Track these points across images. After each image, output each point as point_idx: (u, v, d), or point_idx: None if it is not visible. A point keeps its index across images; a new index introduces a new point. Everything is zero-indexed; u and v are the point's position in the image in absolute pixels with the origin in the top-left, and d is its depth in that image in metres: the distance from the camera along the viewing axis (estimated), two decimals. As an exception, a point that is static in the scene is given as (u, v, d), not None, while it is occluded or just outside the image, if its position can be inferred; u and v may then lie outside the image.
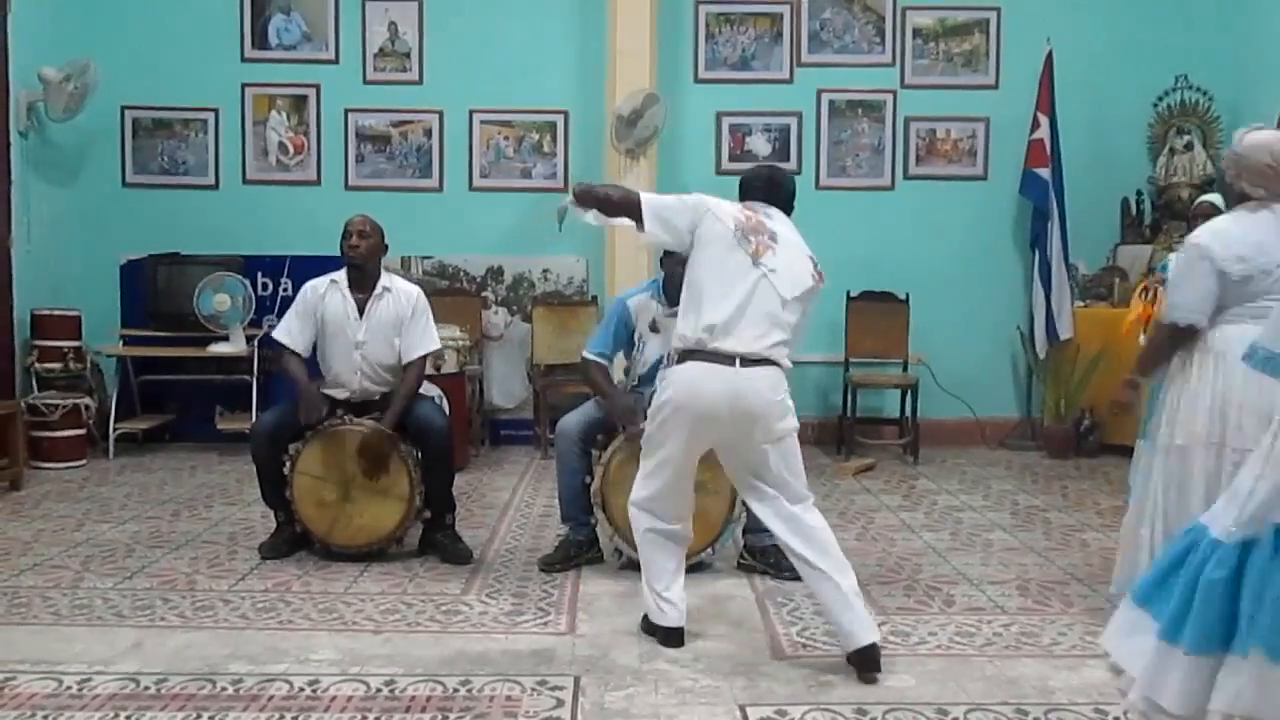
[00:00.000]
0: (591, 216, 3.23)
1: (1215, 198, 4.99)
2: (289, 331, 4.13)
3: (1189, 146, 6.53)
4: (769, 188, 3.25)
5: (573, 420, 4.00)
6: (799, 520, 3.01)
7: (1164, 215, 6.62)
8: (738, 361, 2.93)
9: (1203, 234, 3.11)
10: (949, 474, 5.96)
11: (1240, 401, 2.91)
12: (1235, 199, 3.16)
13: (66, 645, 3.05)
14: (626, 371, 4.14)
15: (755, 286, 2.98)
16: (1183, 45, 6.71)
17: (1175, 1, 6.78)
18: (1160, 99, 6.69)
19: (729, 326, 2.95)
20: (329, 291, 4.13)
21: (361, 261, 4.10)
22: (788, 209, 3.25)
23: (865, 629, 2.89)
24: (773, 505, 3.04)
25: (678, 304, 3.94)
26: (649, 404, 3.93)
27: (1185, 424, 3.05)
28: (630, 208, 3.13)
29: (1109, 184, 6.75)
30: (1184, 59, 6.65)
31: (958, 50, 6.93)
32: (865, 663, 2.87)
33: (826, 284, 3.20)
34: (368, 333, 4.09)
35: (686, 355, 3.00)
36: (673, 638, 3.11)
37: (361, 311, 4.11)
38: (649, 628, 3.18)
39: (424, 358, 4.16)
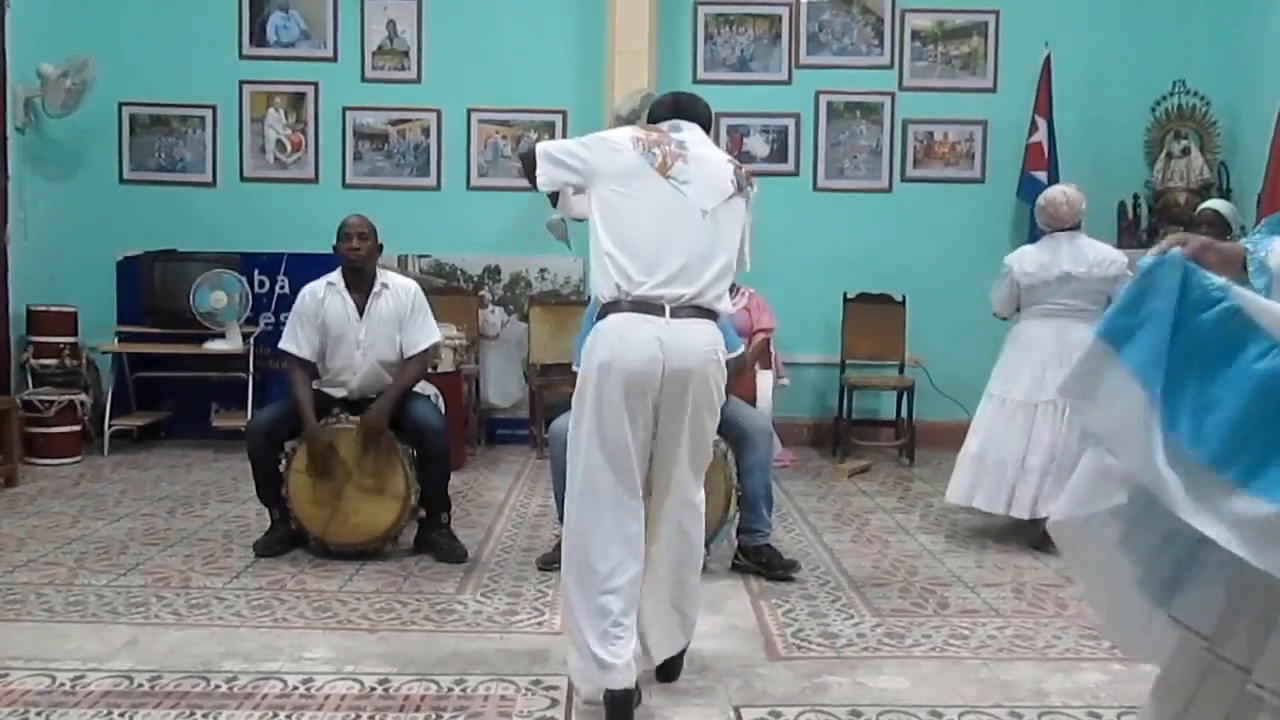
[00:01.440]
0: (560, 211, 2.96)
1: (1218, 203, 5.02)
2: (296, 341, 4.11)
3: (1186, 151, 6.53)
4: (674, 108, 2.87)
5: (565, 422, 3.98)
6: (676, 524, 2.67)
7: (1161, 219, 6.62)
8: (667, 311, 2.54)
9: (1011, 257, 4.69)
10: (945, 476, 5.90)
11: (1029, 365, 4.47)
12: (1040, 232, 4.65)
13: (60, 642, 3.04)
14: None
15: (668, 205, 2.59)
16: (1180, 50, 6.71)
17: (1173, 6, 6.80)
18: (1158, 103, 6.70)
19: (649, 263, 2.55)
20: (327, 295, 4.12)
21: (362, 264, 4.10)
22: (705, 127, 2.86)
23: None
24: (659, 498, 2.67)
25: None
26: None
27: (1002, 380, 4.58)
28: (528, 161, 2.74)
29: (1106, 188, 6.74)
30: (1182, 63, 6.65)
31: (956, 53, 6.94)
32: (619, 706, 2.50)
33: (757, 189, 2.84)
34: (369, 332, 4.09)
35: (608, 309, 2.59)
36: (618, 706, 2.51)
37: (361, 312, 4.10)
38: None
39: (426, 351, 4.16)
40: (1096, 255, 4.45)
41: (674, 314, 2.55)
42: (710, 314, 2.63)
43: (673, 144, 2.69)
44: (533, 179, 2.73)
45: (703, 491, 2.77)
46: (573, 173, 2.69)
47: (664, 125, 2.80)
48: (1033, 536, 4.32)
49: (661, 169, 2.63)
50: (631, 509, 2.57)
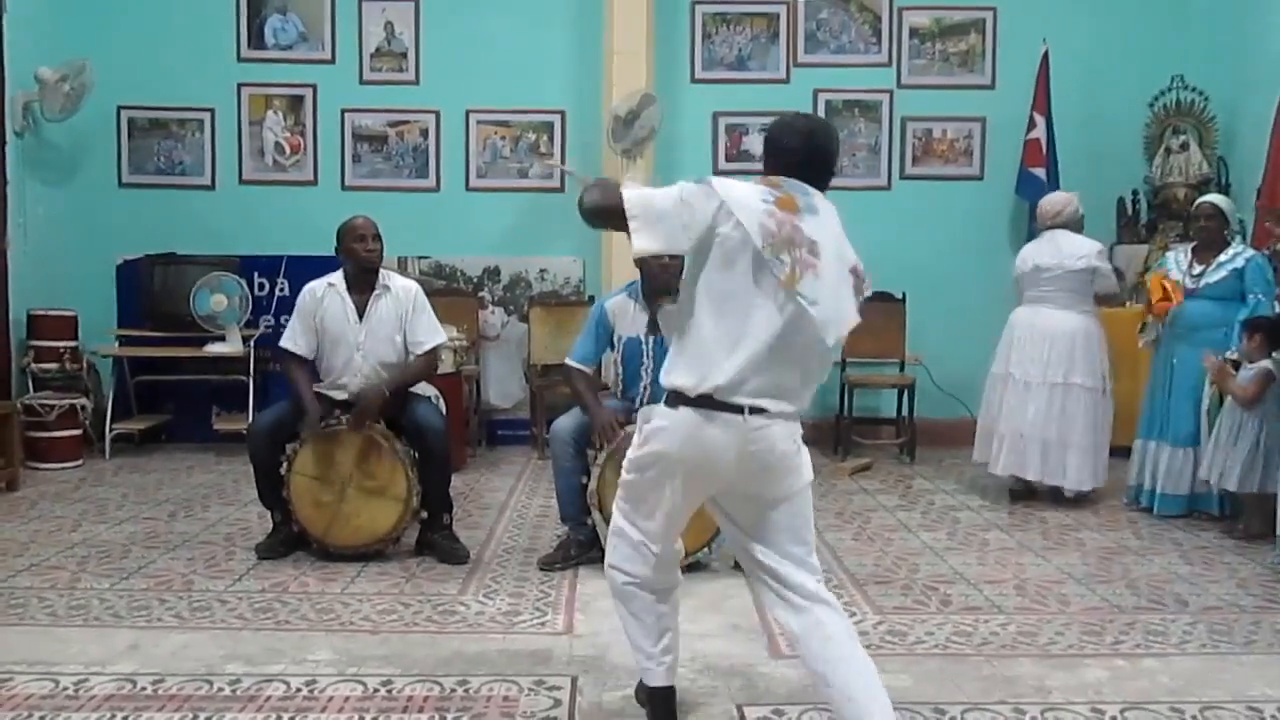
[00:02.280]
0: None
1: (1217, 198, 5.04)
2: (294, 339, 4.13)
3: (1185, 146, 6.53)
4: (810, 153, 2.40)
5: (566, 422, 4.00)
6: (809, 612, 2.31)
7: (1160, 215, 6.63)
8: (747, 411, 2.25)
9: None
10: (946, 474, 5.96)
11: (1013, 345, 5.22)
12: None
13: (63, 646, 3.05)
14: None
15: (787, 327, 2.24)
16: (1179, 45, 6.72)
17: (1171, 2, 6.80)
18: (1156, 99, 6.70)
19: (744, 378, 2.24)
20: (327, 295, 4.12)
21: (376, 265, 4.10)
22: (828, 182, 2.43)
23: None
24: (773, 583, 2.36)
25: (656, 304, 3.97)
26: (632, 416, 3.95)
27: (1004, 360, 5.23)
28: (610, 216, 2.29)
29: (1105, 184, 6.75)
30: (1180, 59, 6.65)
31: (954, 50, 6.94)
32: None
33: (870, 291, 2.44)
34: (368, 334, 4.09)
35: (680, 399, 2.29)
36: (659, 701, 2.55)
37: (361, 313, 4.10)
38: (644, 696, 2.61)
39: (433, 351, 4.17)
40: (1070, 249, 5.03)
41: (753, 412, 2.26)
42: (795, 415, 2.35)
43: (805, 246, 2.25)
44: (622, 228, 2.27)
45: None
46: (678, 244, 2.29)
47: (797, 199, 2.31)
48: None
49: (789, 282, 2.22)
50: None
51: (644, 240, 2.25)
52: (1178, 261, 4.98)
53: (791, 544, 2.35)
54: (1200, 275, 4.82)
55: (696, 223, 2.25)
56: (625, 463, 2.47)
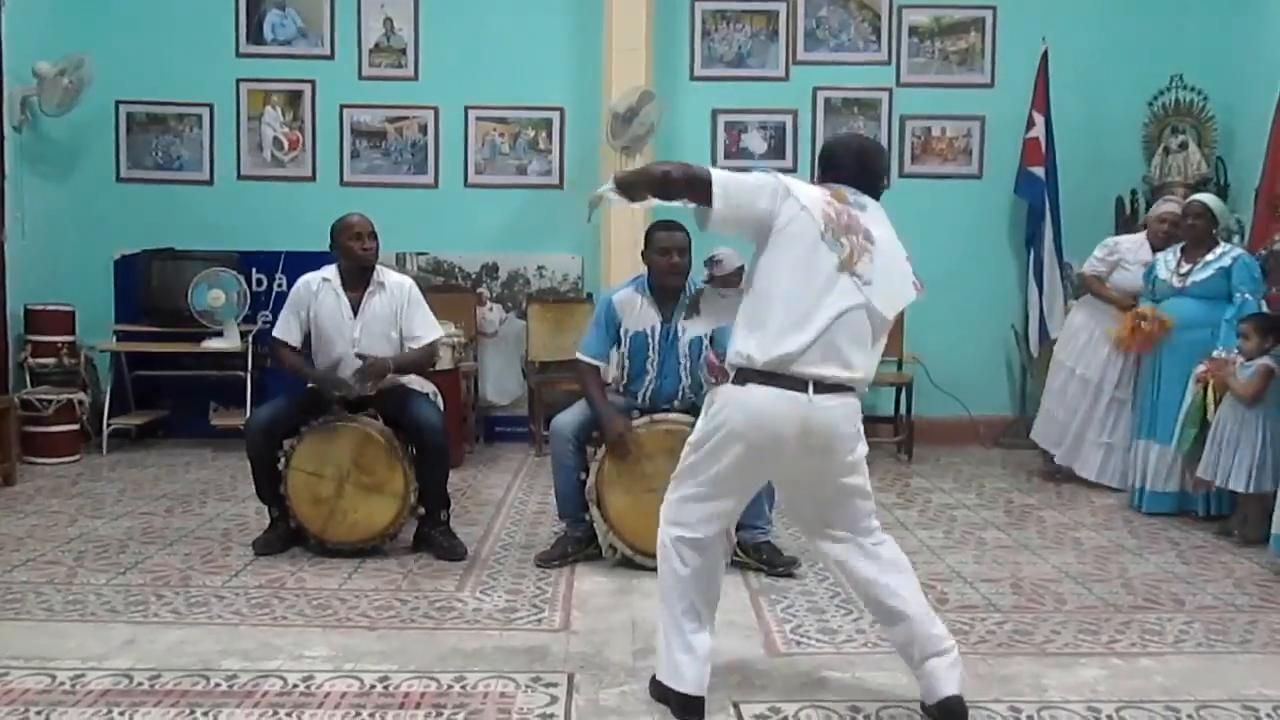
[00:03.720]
0: (623, 198, 2.66)
1: (1208, 198, 5.04)
2: (286, 327, 4.15)
3: (1184, 146, 6.52)
4: (861, 167, 2.66)
5: (566, 419, 4.00)
6: (877, 556, 2.59)
7: (1158, 214, 6.62)
8: (811, 387, 2.45)
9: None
10: (943, 472, 5.97)
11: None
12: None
13: (60, 641, 3.04)
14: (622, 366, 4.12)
15: (847, 304, 2.47)
16: (1178, 44, 6.71)
17: (1171, 1, 6.79)
18: (1155, 98, 6.69)
19: (809, 352, 2.43)
20: (321, 289, 4.12)
21: (372, 263, 4.10)
22: (879, 193, 2.69)
23: (946, 680, 2.52)
24: (845, 546, 2.60)
25: (663, 299, 3.97)
26: (636, 411, 3.96)
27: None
28: (697, 185, 2.49)
29: (1104, 183, 6.75)
30: (1179, 58, 6.65)
31: (953, 49, 6.94)
32: (946, 715, 2.53)
33: (925, 295, 2.67)
34: (363, 330, 4.09)
35: (748, 376, 2.48)
36: (690, 709, 2.57)
37: (356, 310, 4.10)
38: (659, 693, 2.64)
39: (430, 344, 4.17)
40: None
41: (818, 389, 2.46)
42: (852, 389, 2.53)
43: (861, 233, 2.51)
44: (703, 200, 2.48)
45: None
46: (750, 225, 2.54)
47: (848, 195, 2.59)
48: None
49: (848, 264, 2.48)
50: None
51: (722, 213, 2.48)
52: (1167, 262, 4.98)
53: (858, 508, 2.59)
54: (1188, 274, 4.83)
55: (766, 207, 2.50)
56: (686, 446, 2.63)
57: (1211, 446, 4.46)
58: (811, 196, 2.53)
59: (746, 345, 2.49)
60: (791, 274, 2.47)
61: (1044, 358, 6.59)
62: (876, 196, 2.66)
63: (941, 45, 6.93)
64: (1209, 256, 4.80)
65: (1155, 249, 5.27)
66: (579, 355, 4.03)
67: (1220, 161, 6.53)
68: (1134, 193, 6.77)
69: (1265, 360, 4.34)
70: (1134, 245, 5.45)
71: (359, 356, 4.02)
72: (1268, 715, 2.64)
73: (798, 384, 2.44)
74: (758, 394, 2.46)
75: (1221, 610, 3.51)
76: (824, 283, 2.46)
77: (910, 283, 2.62)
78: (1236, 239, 5.55)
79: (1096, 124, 6.81)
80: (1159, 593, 3.70)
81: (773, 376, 2.45)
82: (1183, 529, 4.64)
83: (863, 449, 2.58)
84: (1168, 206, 5.41)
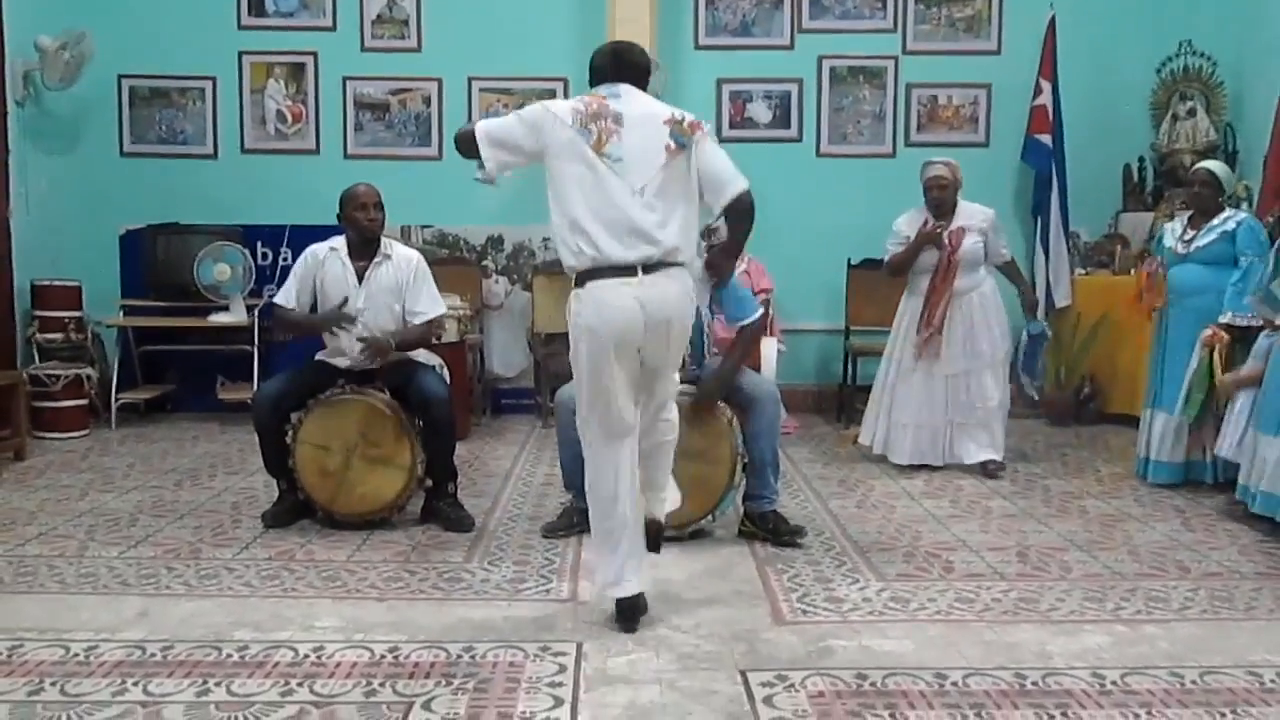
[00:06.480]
0: (480, 174, 2.99)
1: (1214, 165, 5.00)
2: (288, 294, 4.15)
3: (1192, 113, 6.49)
4: (619, 64, 2.98)
5: (572, 390, 3.99)
6: (660, 423, 3.08)
7: (1166, 182, 6.59)
8: (639, 269, 2.78)
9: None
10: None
11: None
12: None
13: (73, 613, 3.07)
14: None
15: (606, 182, 2.78)
16: (1186, 10, 6.65)
17: (1179, -34, 6.73)
18: (1163, 65, 6.64)
19: (607, 232, 2.77)
20: (329, 259, 4.13)
21: (377, 234, 4.10)
22: (642, 83, 2.98)
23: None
24: (649, 415, 3.03)
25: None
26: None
27: None
28: (467, 142, 2.91)
29: (1111, 150, 6.72)
30: (1187, 24, 6.59)
31: (960, 15, 6.87)
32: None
33: (709, 125, 2.93)
34: (367, 300, 4.09)
35: (585, 276, 2.81)
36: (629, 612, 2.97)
37: (361, 279, 4.10)
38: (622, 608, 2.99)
39: (431, 321, 4.17)
40: None
41: (646, 270, 2.78)
42: (679, 265, 2.85)
43: (609, 116, 2.80)
44: (477, 160, 2.87)
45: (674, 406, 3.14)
46: (520, 154, 2.89)
47: (602, 91, 2.91)
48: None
49: (597, 146, 2.78)
50: (626, 440, 2.93)
51: (493, 159, 2.88)
52: (1173, 229, 4.96)
53: (672, 377, 3.08)
54: (1192, 240, 4.80)
55: (532, 142, 2.85)
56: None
57: (1227, 419, 4.40)
58: (563, 105, 2.88)
59: (564, 257, 2.85)
60: (566, 179, 2.80)
61: (1050, 327, 6.58)
62: (644, 86, 2.97)
63: (948, 12, 6.87)
64: (1213, 222, 4.77)
65: (936, 212, 5.11)
66: None
67: (1229, 128, 6.48)
68: (1142, 160, 6.74)
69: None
70: (910, 219, 5.23)
71: (359, 340, 4.02)
72: (1272, 681, 2.65)
73: (624, 270, 2.77)
74: (595, 288, 2.79)
75: (1227, 577, 3.52)
76: (586, 172, 2.78)
77: (663, 143, 2.82)
78: (1245, 206, 5.51)
79: (1104, 91, 6.76)
80: (1164, 560, 3.71)
81: (600, 270, 2.78)
82: (1189, 498, 4.64)
83: (690, 328, 3.00)
84: (932, 171, 5.16)
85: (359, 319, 4.03)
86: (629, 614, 2.95)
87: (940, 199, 5.10)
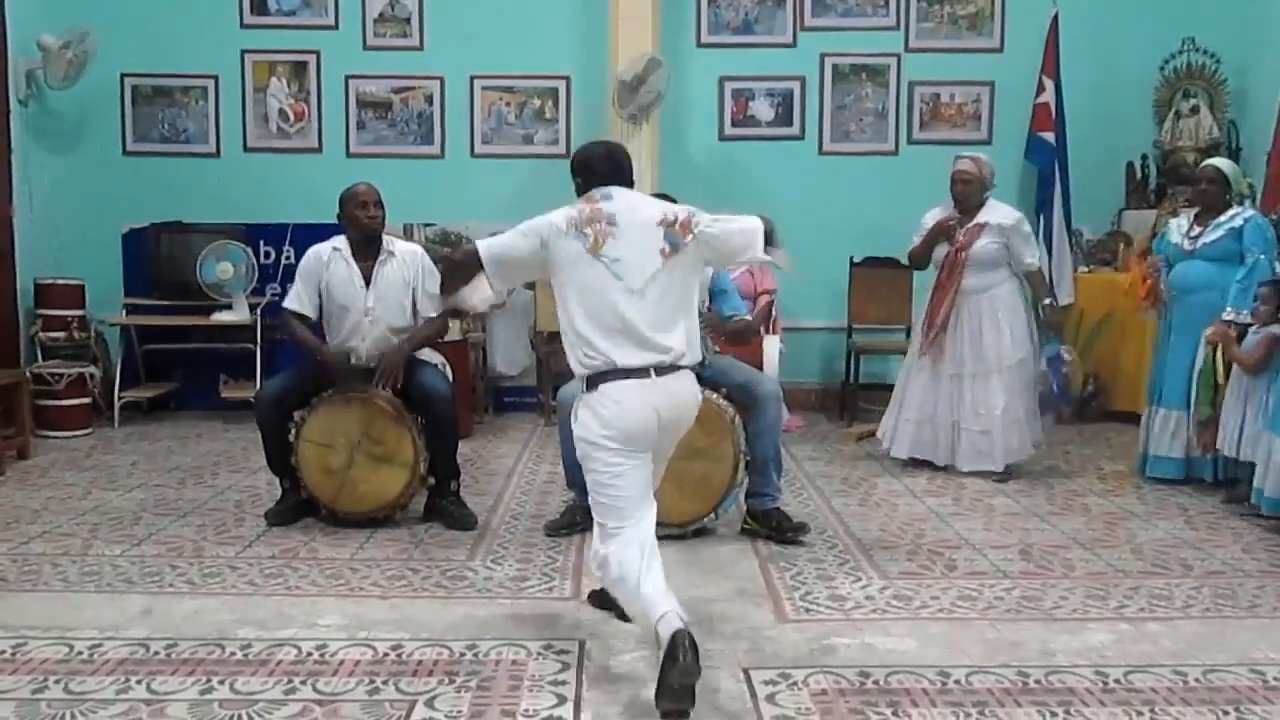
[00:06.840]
0: (478, 300, 3.04)
1: (1221, 162, 4.99)
2: (299, 298, 4.15)
3: (1195, 110, 6.47)
4: (613, 167, 2.94)
5: (573, 388, 3.99)
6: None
7: (1169, 180, 6.57)
8: (652, 371, 2.69)
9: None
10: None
11: None
12: None
13: (77, 611, 3.08)
14: None
15: (607, 285, 2.72)
16: (1189, 7, 6.63)
17: (1182, -37, 6.72)
18: (1166, 62, 6.63)
19: (614, 344, 2.69)
20: (332, 259, 4.13)
21: (378, 232, 4.10)
22: (630, 182, 2.96)
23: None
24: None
25: None
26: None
27: None
28: (468, 262, 2.94)
29: (1114, 148, 6.70)
30: (1190, 21, 6.57)
31: (962, 13, 6.86)
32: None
33: (699, 213, 2.82)
34: (377, 300, 4.09)
35: (597, 379, 2.70)
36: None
37: (368, 279, 4.10)
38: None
39: (443, 315, 4.17)
40: None
41: (659, 373, 2.70)
42: (686, 368, 2.78)
43: (604, 219, 2.77)
44: (484, 283, 2.92)
45: None
46: (526, 270, 2.98)
47: (596, 195, 2.86)
48: None
49: (594, 249, 2.74)
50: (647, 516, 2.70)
51: (498, 273, 2.92)
52: (1179, 226, 4.95)
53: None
54: (1198, 237, 4.79)
55: (530, 247, 2.82)
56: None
57: (1225, 415, 4.42)
58: (559, 214, 2.81)
59: (574, 362, 2.78)
60: (571, 286, 2.77)
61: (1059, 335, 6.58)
62: (631, 186, 2.95)
63: (950, 9, 6.86)
64: (1220, 219, 4.76)
65: (958, 207, 5.10)
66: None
67: (1232, 125, 6.47)
68: (1144, 158, 6.73)
69: (1273, 328, 4.30)
70: (936, 214, 5.22)
71: (371, 367, 4.04)
72: (1275, 679, 2.65)
73: (636, 372, 2.68)
74: (610, 389, 2.68)
75: (1229, 575, 3.52)
76: (588, 277, 2.73)
77: (658, 246, 2.75)
78: (1249, 203, 5.50)
79: (1107, 88, 6.74)
80: (1167, 558, 3.71)
81: (612, 372, 2.68)
82: (1192, 495, 4.64)
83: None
84: (958, 165, 5.20)
85: (363, 340, 4.07)
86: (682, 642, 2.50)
87: (963, 194, 5.05)
